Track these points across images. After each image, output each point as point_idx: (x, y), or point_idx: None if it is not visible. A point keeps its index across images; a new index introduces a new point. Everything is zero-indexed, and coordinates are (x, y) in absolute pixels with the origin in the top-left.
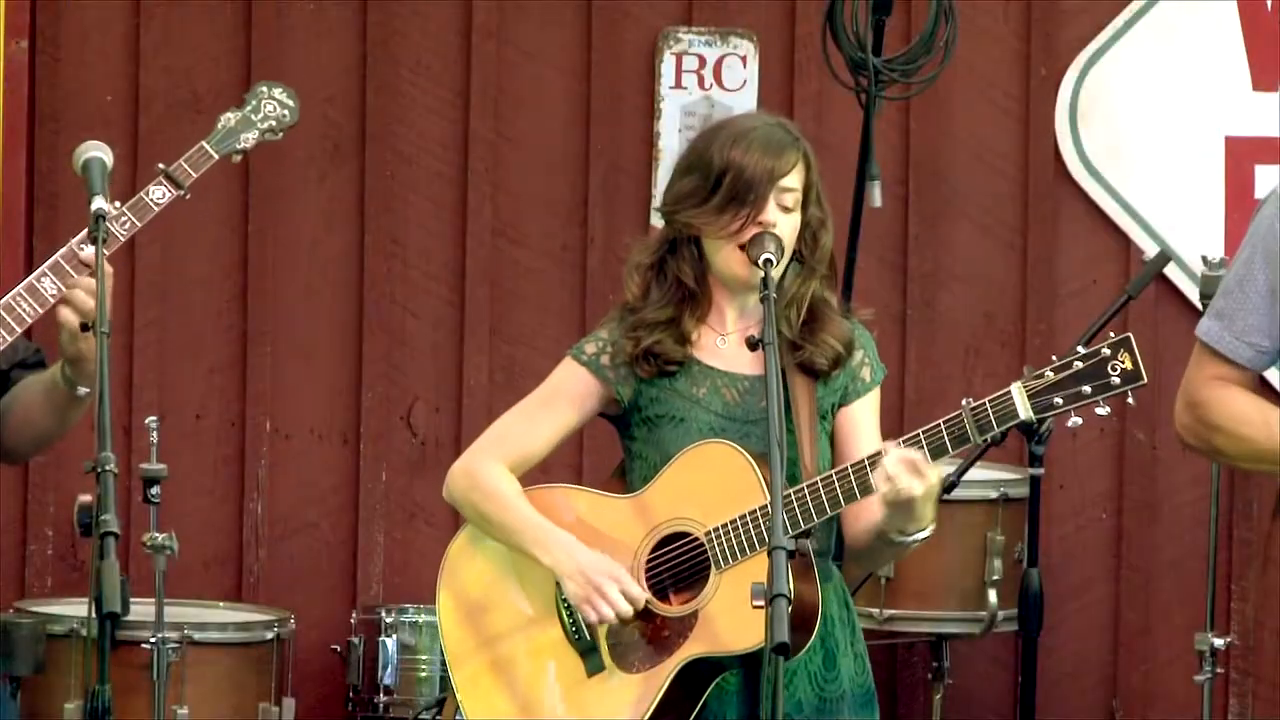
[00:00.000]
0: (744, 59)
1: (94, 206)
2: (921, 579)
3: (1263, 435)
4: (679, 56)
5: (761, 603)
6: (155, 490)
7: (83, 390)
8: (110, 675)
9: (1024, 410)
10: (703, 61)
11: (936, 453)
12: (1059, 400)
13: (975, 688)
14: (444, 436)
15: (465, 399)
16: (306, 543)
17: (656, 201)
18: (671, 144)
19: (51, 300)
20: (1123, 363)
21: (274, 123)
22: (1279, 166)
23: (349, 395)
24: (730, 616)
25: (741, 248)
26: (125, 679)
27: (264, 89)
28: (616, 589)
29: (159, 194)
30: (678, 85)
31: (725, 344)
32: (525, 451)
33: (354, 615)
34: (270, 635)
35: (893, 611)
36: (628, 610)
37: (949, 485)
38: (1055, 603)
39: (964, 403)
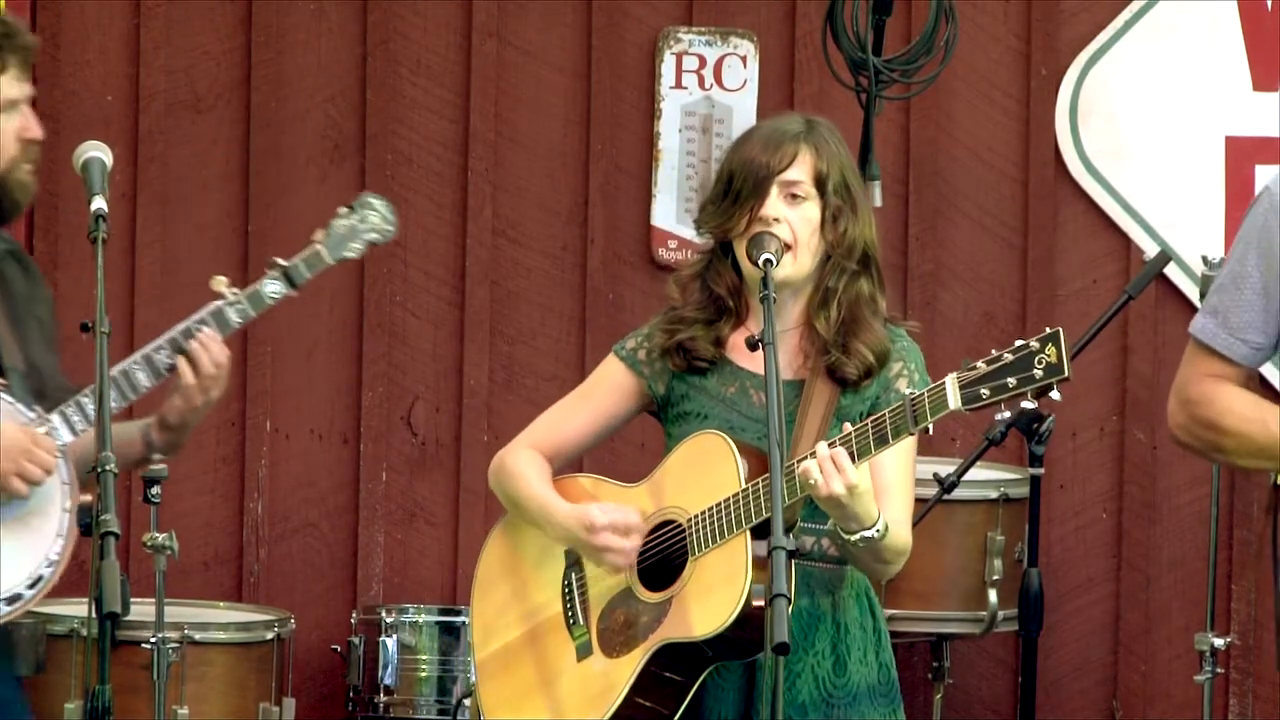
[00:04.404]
0: (744, 59)
1: (94, 206)
2: (922, 579)
3: (1261, 431)
4: (679, 56)
5: (761, 602)
6: (155, 490)
7: (158, 458)
8: (110, 675)
9: (954, 401)
10: (703, 61)
11: (879, 442)
12: (985, 392)
13: (975, 688)
14: (444, 436)
15: (465, 399)
16: (306, 543)
17: (656, 202)
18: (671, 144)
19: (166, 374)
20: (1048, 356)
21: (377, 236)
22: (1279, 167)
23: (349, 395)
24: (695, 602)
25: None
26: (125, 679)
27: (370, 200)
28: (613, 538)
29: (274, 289)
30: (678, 85)
31: None
32: (559, 441)
33: (354, 615)
34: (270, 635)
35: (893, 611)
36: (635, 544)
37: (949, 485)
38: (1055, 603)
39: (906, 393)
